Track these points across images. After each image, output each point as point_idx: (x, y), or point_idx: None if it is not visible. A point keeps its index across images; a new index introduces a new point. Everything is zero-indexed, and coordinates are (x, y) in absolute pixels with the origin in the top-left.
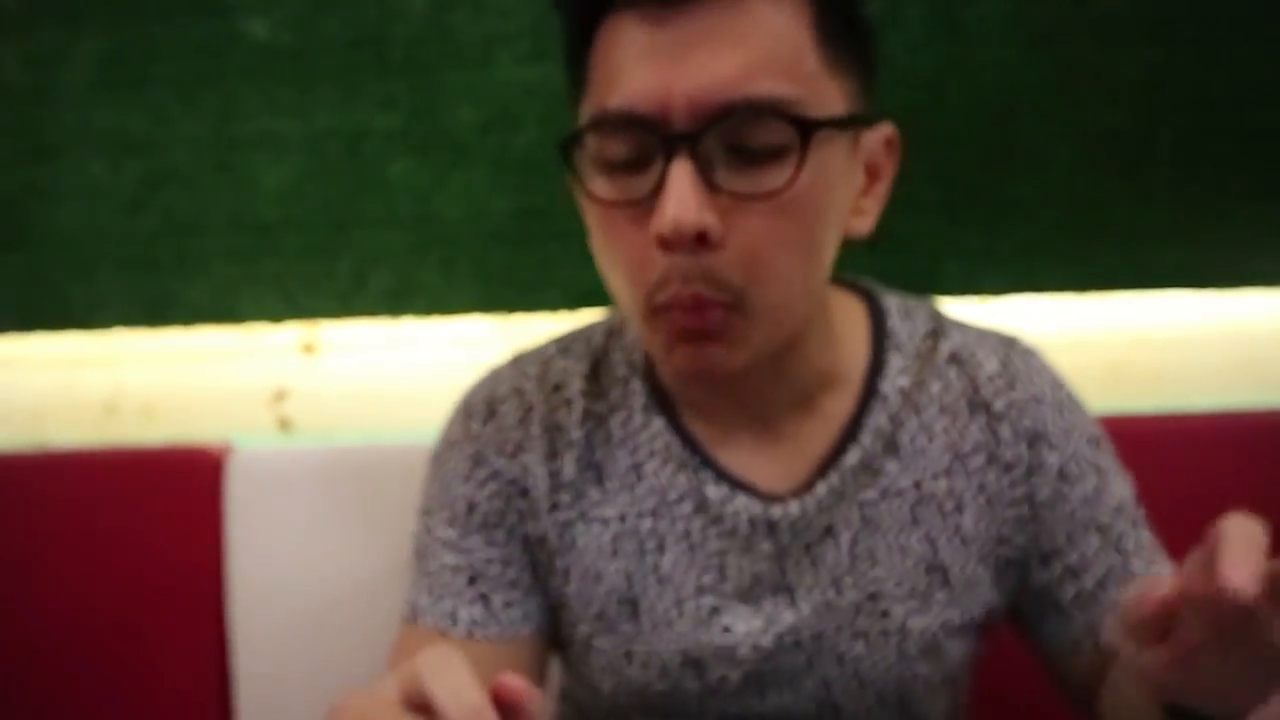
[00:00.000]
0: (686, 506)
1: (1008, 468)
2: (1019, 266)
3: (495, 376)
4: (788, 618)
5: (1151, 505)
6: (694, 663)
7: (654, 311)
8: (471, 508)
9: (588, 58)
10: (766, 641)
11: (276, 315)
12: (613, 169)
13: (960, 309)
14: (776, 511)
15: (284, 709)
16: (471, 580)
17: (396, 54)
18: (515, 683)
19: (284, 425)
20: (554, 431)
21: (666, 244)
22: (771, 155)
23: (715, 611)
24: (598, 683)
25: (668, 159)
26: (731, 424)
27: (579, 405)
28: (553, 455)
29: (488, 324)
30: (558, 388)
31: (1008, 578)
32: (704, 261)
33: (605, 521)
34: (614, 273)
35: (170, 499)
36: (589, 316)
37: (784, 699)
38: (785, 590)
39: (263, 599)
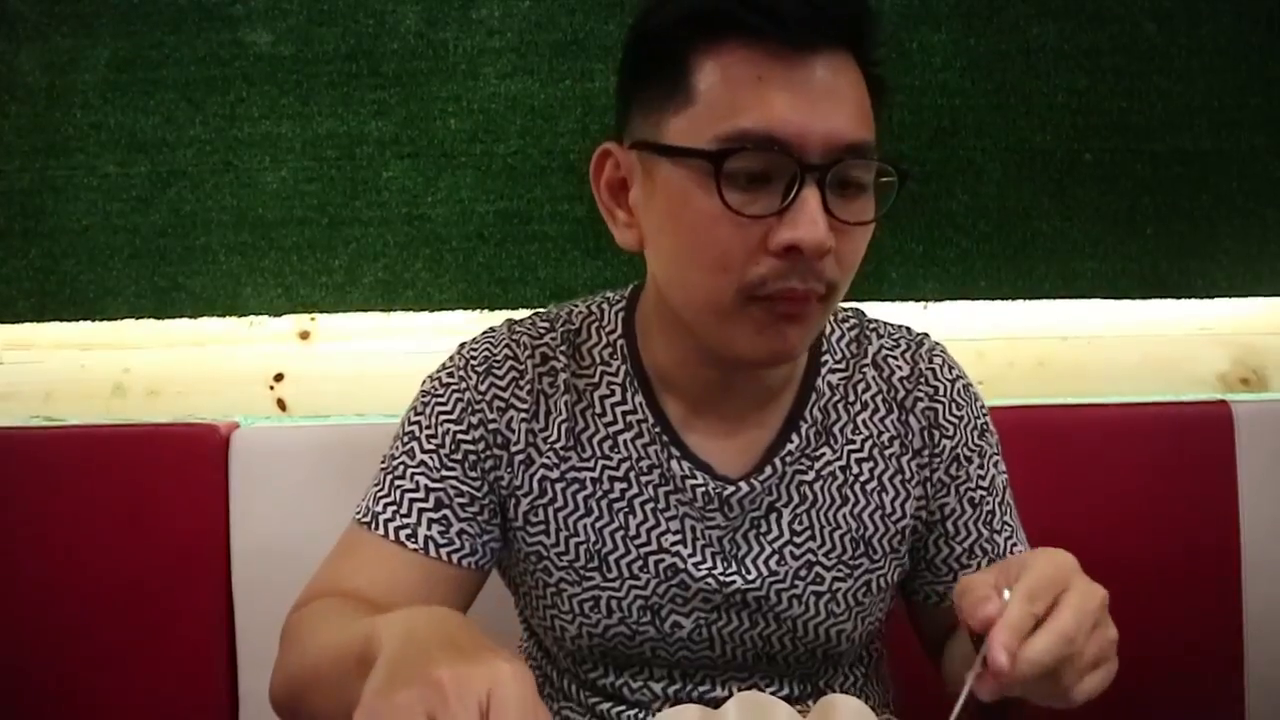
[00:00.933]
0: (655, 476)
1: (916, 453)
2: (956, 274)
3: (493, 338)
4: (736, 580)
5: (1071, 482)
6: (652, 609)
7: (748, 300)
8: (455, 444)
9: (688, 74)
10: (716, 599)
11: (276, 305)
12: (735, 180)
13: (902, 313)
14: (729, 490)
15: None
16: (438, 504)
17: (389, 66)
18: None
19: (281, 406)
20: (540, 397)
21: (797, 255)
22: (858, 191)
23: (674, 569)
24: (564, 627)
25: (800, 183)
26: (700, 413)
27: (562, 378)
28: (535, 417)
29: (471, 317)
30: (545, 359)
31: (913, 545)
32: (816, 265)
33: (582, 482)
34: (703, 265)
35: (179, 472)
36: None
37: (726, 648)
38: (734, 556)
39: (262, 560)
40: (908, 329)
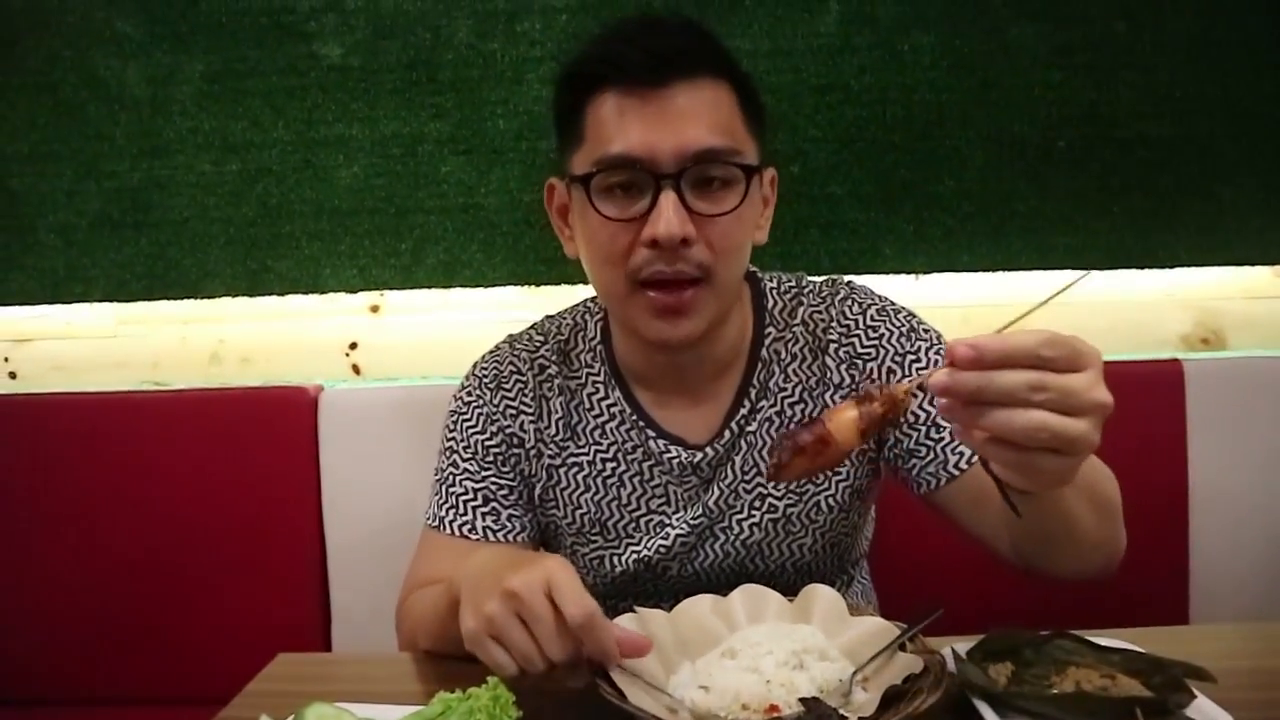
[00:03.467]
0: (638, 454)
1: (837, 387)
2: (943, 249)
3: (499, 356)
4: (703, 520)
5: None
6: (645, 561)
7: (635, 288)
8: (484, 449)
9: (581, 120)
10: (692, 540)
11: (350, 284)
12: (610, 193)
13: (895, 284)
14: (698, 455)
15: (367, 589)
16: (485, 500)
17: (445, 74)
18: (641, 641)
19: (355, 370)
20: (541, 401)
21: (659, 245)
22: (723, 186)
23: (660, 525)
24: (581, 578)
25: (658, 190)
26: (668, 393)
27: (556, 382)
28: (539, 417)
29: (520, 292)
30: (542, 369)
31: (863, 464)
32: (681, 251)
33: (580, 465)
34: (599, 262)
35: (274, 428)
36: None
37: (711, 578)
38: (702, 504)
39: (347, 500)
40: (833, 282)
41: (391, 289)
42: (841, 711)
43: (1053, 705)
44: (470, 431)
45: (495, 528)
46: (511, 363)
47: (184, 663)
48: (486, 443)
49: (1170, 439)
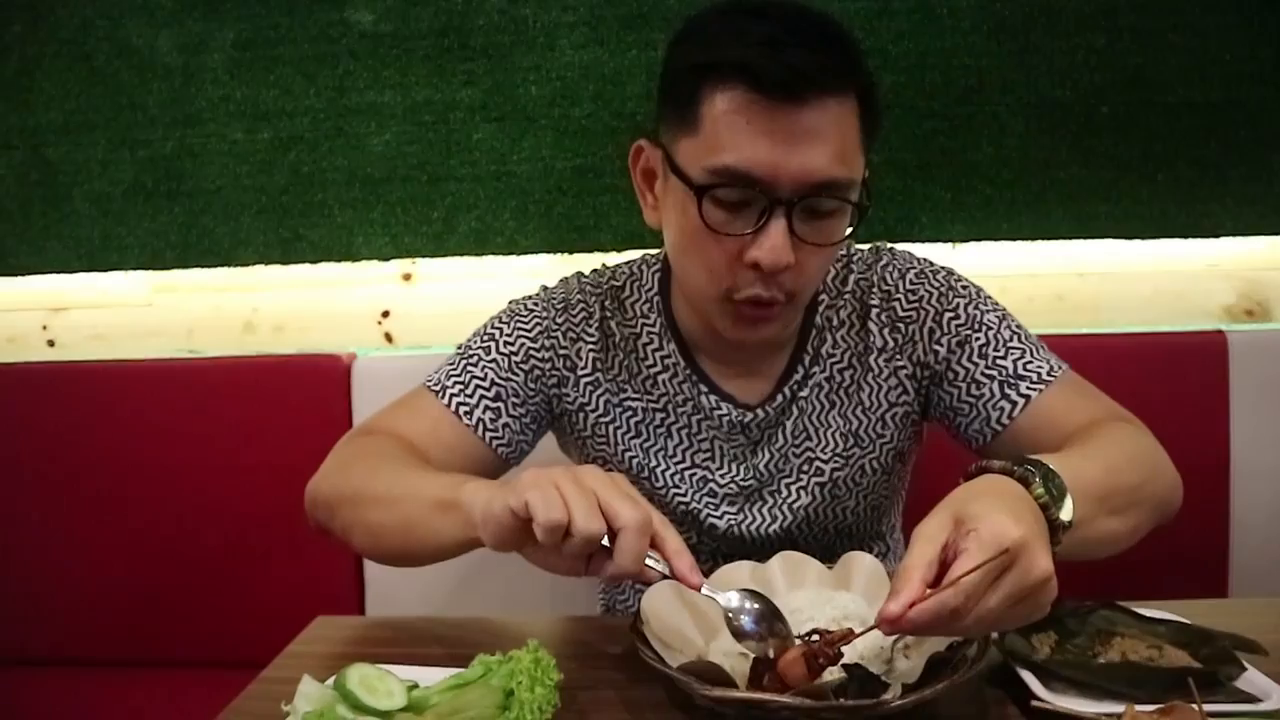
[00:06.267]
0: (689, 408)
1: (881, 351)
2: (980, 218)
3: (569, 285)
4: (751, 482)
5: None
6: (691, 513)
7: (728, 300)
8: (526, 356)
9: (698, 106)
10: (739, 500)
11: (383, 252)
12: (718, 203)
13: (932, 253)
14: (749, 416)
15: None
16: (497, 396)
17: (477, 40)
18: (696, 581)
19: (388, 339)
20: (606, 335)
21: (761, 270)
22: (830, 216)
23: (704, 479)
24: None
25: (770, 214)
26: (726, 359)
27: (614, 322)
28: (603, 349)
29: (553, 259)
30: (605, 306)
31: (906, 427)
32: (779, 278)
33: (634, 410)
34: (696, 268)
35: (308, 395)
36: (632, 255)
37: (756, 542)
38: (751, 465)
39: None
40: (875, 249)
41: (424, 257)
42: (884, 679)
43: (1101, 675)
44: (520, 333)
45: (489, 425)
46: (582, 293)
47: (220, 627)
48: (532, 350)
49: (1212, 412)
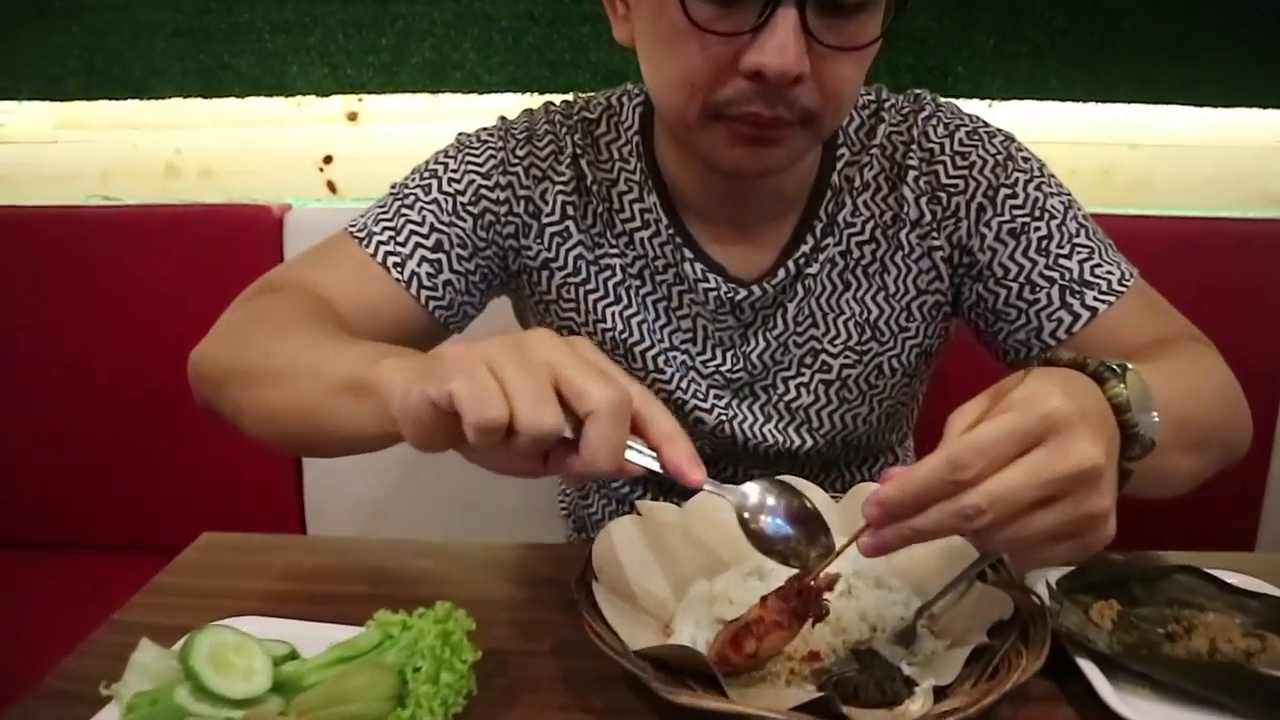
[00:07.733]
0: (669, 275)
1: (914, 225)
2: (1025, 70)
3: (534, 115)
4: (742, 375)
5: None
6: (675, 404)
7: (715, 116)
8: (476, 196)
9: None
10: (727, 395)
11: (323, 85)
12: None
13: (964, 109)
14: (741, 293)
15: None
16: (437, 246)
17: None
18: (697, 476)
19: (331, 189)
20: (579, 175)
21: (763, 80)
22: (857, 10)
23: (685, 365)
24: None
25: (776, 4)
26: (716, 219)
27: (587, 160)
28: (575, 193)
29: (520, 100)
30: (580, 138)
31: (936, 321)
32: (789, 94)
33: (610, 269)
34: (671, 80)
35: (234, 251)
36: None
37: (748, 444)
38: (740, 354)
39: None
40: (915, 98)
41: (370, 93)
42: (907, 672)
43: (1193, 678)
44: (471, 169)
45: (425, 282)
46: (551, 123)
47: (142, 507)
48: (484, 190)
49: (1274, 319)
